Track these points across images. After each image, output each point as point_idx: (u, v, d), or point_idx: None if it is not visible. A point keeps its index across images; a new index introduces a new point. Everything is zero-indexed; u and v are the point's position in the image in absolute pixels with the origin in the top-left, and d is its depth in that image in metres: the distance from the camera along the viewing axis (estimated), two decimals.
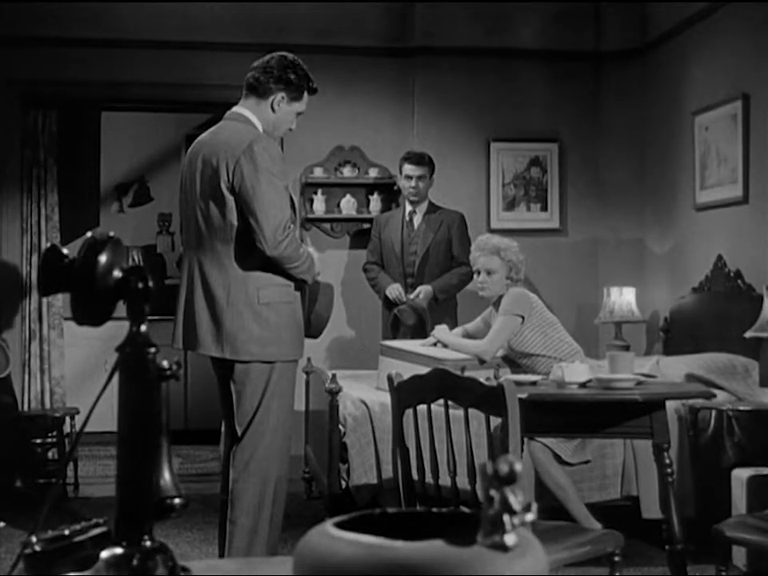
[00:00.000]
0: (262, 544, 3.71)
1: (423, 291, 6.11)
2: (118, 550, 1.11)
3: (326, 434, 4.95)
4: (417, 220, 6.31)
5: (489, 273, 4.85)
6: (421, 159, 6.25)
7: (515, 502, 0.95)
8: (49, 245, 1.11)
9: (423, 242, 6.25)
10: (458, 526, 1.07)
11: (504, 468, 0.94)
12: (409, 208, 6.34)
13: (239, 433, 3.71)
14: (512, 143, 7.17)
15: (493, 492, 0.95)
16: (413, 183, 6.21)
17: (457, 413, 2.96)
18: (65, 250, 1.12)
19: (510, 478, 0.95)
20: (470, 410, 2.86)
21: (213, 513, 4.18)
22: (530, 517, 0.96)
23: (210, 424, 7.16)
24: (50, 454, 6.78)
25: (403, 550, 0.91)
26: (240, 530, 3.67)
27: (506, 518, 0.94)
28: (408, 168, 6.23)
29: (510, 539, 0.94)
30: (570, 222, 7.28)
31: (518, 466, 0.95)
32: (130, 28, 6.84)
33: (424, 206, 6.35)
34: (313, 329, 3.92)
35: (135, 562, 1.10)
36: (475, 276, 4.91)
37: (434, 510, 1.12)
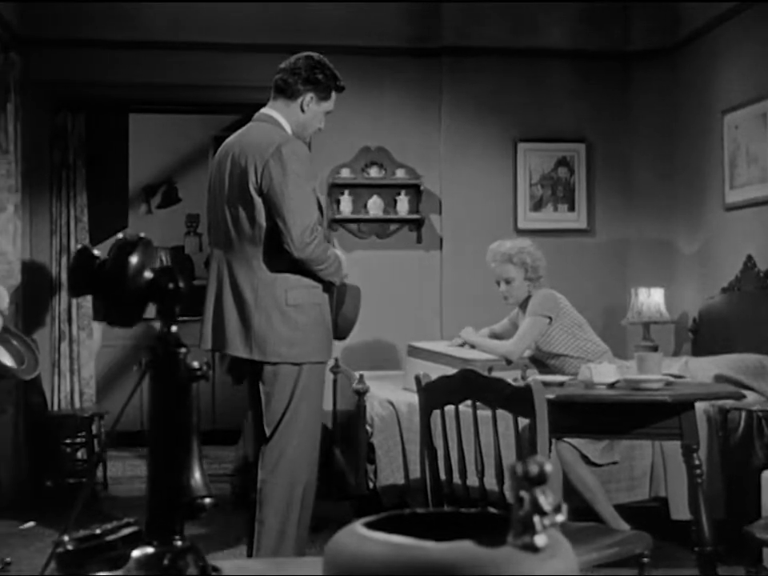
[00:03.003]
0: (290, 544, 3.72)
1: None
2: (149, 550, 1.12)
3: (354, 435, 4.95)
4: None
5: (507, 281, 4.86)
6: None
7: (545, 502, 0.94)
8: (80, 246, 1.11)
9: None
10: (486, 527, 1.07)
11: (534, 469, 0.94)
12: None
13: (267, 433, 3.72)
14: (539, 143, 7.14)
15: (523, 493, 0.95)
16: None
17: (484, 413, 2.95)
18: (96, 252, 1.13)
19: (540, 479, 0.95)
20: (498, 411, 2.86)
21: (241, 513, 4.19)
22: (560, 518, 0.96)
23: (237, 425, 7.17)
24: (78, 454, 6.83)
25: (433, 551, 0.91)
26: (268, 530, 3.68)
27: (536, 518, 0.94)
28: None
29: (540, 540, 0.94)
30: (597, 222, 7.25)
31: (548, 467, 0.95)
32: (157, 30, 6.87)
33: None
34: (340, 330, 3.93)
35: (166, 561, 1.11)
36: (497, 286, 4.93)
37: (463, 510, 1.11)
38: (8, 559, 4.72)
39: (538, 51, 7.14)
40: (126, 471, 7.20)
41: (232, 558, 4.69)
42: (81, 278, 1.12)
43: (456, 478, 2.99)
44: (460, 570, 0.90)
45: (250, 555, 3.84)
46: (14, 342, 4.41)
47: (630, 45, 7.23)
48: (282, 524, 3.70)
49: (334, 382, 6.05)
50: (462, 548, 0.92)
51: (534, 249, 4.93)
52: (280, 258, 3.62)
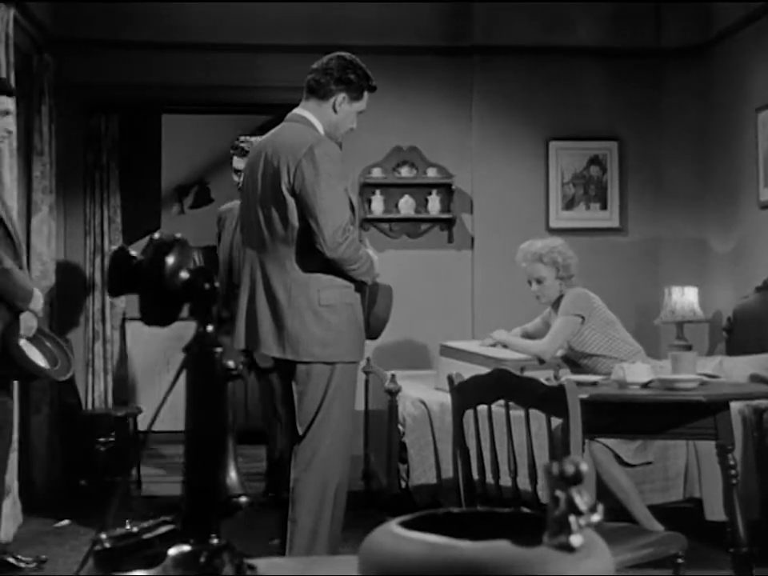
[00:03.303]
0: (323, 543, 3.73)
1: None
2: (186, 548, 1.12)
3: (386, 434, 4.96)
4: None
5: (538, 281, 4.85)
6: (249, 150, 5.18)
7: (581, 502, 0.94)
8: (117, 246, 1.12)
9: None
10: (521, 527, 1.07)
11: (570, 468, 0.94)
12: None
13: (300, 432, 3.74)
14: (571, 142, 7.12)
15: (558, 493, 0.95)
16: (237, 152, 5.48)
17: (517, 413, 2.95)
18: (133, 252, 1.14)
19: (576, 479, 0.94)
20: (531, 411, 2.85)
21: (274, 512, 4.20)
22: (595, 518, 0.96)
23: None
24: (111, 454, 6.88)
25: (469, 550, 0.92)
26: (301, 529, 3.70)
27: (571, 518, 0.94)
28: (235, 160, 5.48)
29: (576, 540, 0.93)
30: (629, 221, 7.21)
31: (584, 467, 0.95)
32: (190, 31, 6.91)
33: None
34: (372, 330, 3.94)
35: (203, 559, 1.12)
36: (529, 285, 4.92)
37: (498, 510, 1.11)
38: (43, 557, 4.77)
39: (570, 49, 7.12)
40: (160, 470, 7.25)
41: (264, 556, 4.70)
42: (118, 278, 1.13)
43: (489, 478, 2.99)
44: (495, 570, 0.90)
45: (282, 554, 3.86)
46: (48, 344, 4.45)
47: (662, 42, 7.18)
48: (314, 523, 3.71)
49: (366, 381, 6.07)
50: (498, 548, 0.92)
51: (564, 248, 4.91)
52: (313, 258, 3.63)
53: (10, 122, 4.35)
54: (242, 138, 5.46)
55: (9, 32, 5.09)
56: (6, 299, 4.22)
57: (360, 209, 6.88)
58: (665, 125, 7.19)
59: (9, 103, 4.32)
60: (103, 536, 1.12)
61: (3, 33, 5.04)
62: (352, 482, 4.05)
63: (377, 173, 7.05)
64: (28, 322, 4.29)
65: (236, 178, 5.36)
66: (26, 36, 5.93)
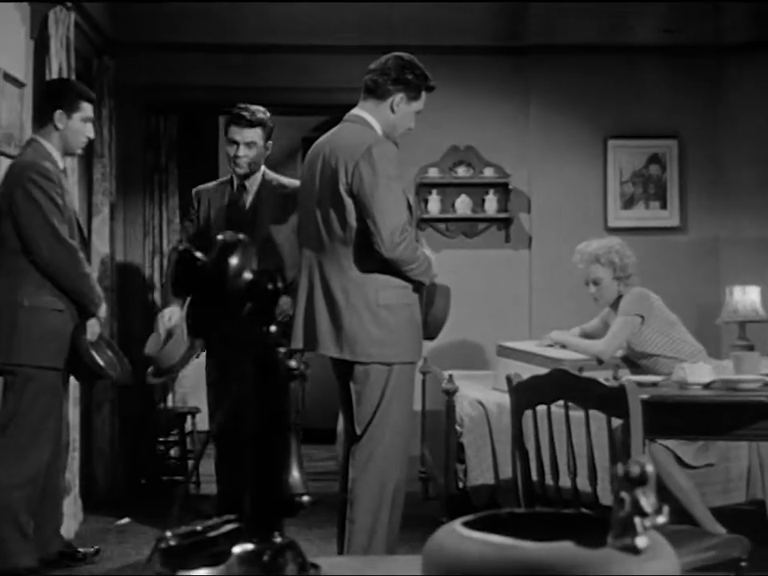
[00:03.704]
0: (381, 543, 3.73)
1: None
2: (250, 546, 1.14)
3: (443, 435, 4.95)
4: (247, 198, 4.96)
5: (595, 282, 4.82)
6: (252, 120, 4.83)
7: (646, 504, 0.94)
8: (181, 248, 1.14)
9: (261, 226, 4.83)
10: (583, 528, 1.07)
11: (635, 470, 0.93)
12: (236, 181, 4.97)
13: (358, 432, 3.75)
14: (630, 140, 7.05)
15: (623, 494, 0.94)
16: (240, 151, 4.83)
17: (575, 414, 2.93)
18: (197, 253, 1.15)
19: (642, 480, 0.94)
20: (590, 411, 2.83)
21: (331, 511, 4.22)
22: (661, 519, 0.95)
23: (326, 423, 7.23)
24: (172, 452, 6.95)
25: (534, 551, 0.91)
26: (359, 529, 3.70)
27: (636, 520, 0.93)
28: (233, 130, 4.85)
29: (641, 542, 0.93)
30: (690, 219, 7.13)
31: (650, 468, 0.94)
32: (248, 33, 6.95)
33: (257, 179, 4.95)
34: (430, 330, 3.93)
35: (266, 557, 1.13)
36: (587, 287, 4.89)
37: (561, 511, 1.11)
38: (97, 547, 4.84)
39: (628, 47, 7.05)
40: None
41: (322, 556, 4.73)
42: (183, 279, 1.14)
43: (548, 479, 2.97)
44: (560, 571, 0.90)
45: (340, 554, 3.87)
46: (108, 351, 4.52)
47: (723, 38, 7.09)
48: (372, 523, 3.72)
49: (423, 382, 6.06)
50: (562, 549, 0.91)
51: (621, 247, 4.87)
52: (370, 258, 3.64)
53: (91, 129, 4.47)
54: (243, 106, 4.86)
55: (70, 36, 5.17)
56: (80, 302, 4.30)
57: (417, 209, 6.87)
58: (725, 122, 7.09)
59: (90, 110, 4.43)
60: (168, 534, 1.13)
61: (64, 37, 5.12)
62: (409, 482, 4.04)
63: (433, 173, 7.05)
64: (93, 327, 4.38)
65: (231, 151, 4.80)
66: (86, 40, 6.02)
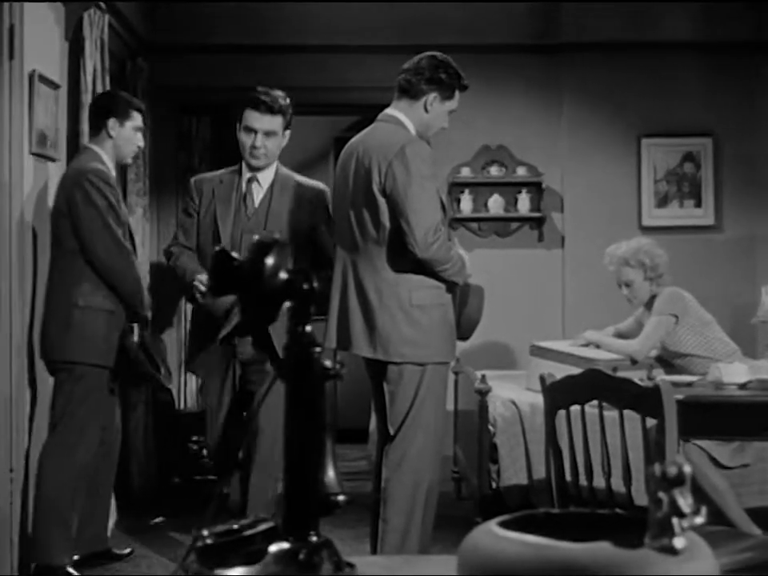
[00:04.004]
0: (414, 543, 3.73)
1: None
2: (286, 545, 1.14)
3: (476, 435, 4.94)
4: (258, 192, 4.43)
5: (627, 285, 4.81)
6: (273, 106, 4.30)
7: (684, 504, 0.93)
8: (218, 248, 1.15)
9: (269, 225, 4.35)
10: (619, 529, 1.06)
11: (673, 470, 0.93)
12: (248, 173, 4.43)
13: (392, 432, 3.75)
14: (664, 138, 7.00)
15: (661, 494, 0.93)
16: (257, 141, 4.31)
17: (609, 414, 2.91)
18: (234, 253, 1.16)
19: (679, 481, 0.93)
20: (624, 412, 2.81)
21: (363, 511, 4.22)
22: (699, 520, 0.94)
23: (358, 423, 7.23)
24: (204, 452, 6.98)
25: (571, 551, 0.91)
26: (392, 529, 3.71)
27: (674, 520, 0.93)
28: (251, 116, 4.31)
29: (679, 542, 0.92)
30: (725, 218, 7.07)
31: (687, 469, 0.94)
32: (279, 34, 6.98)
33: (270, 171, 4.44)
34: (463, 331, 3.92)
35: (302, 556, 1.13)
36: (619, 289, 4.89)
37: (597, 511, 1.11)
38: (130, 549, 4.88)
39: (662, 44, 7.00)
40: None
41: (354, 555, 4.73)
42: (221, 279, 1.15)
43: (582, 480, 2.96)
44: (597, 571, 0.90)
45: (373, 554, 3.87)
46: (153, 353, 4.60)
47: (760, 35, 7.02)
48: (406, 523, 3.72)
49: (455, 382, 6.06)
50: (600, 549, 0.91)
51: (651, 247, 4.84)
52: (404, 258, 3.64)
53: (141, 138, 4.59)
54: (263, 89, 4.34)
55: (104, 38, 5.20)
56: (129, 304, 4.38)
57: (449, 208, 6.87)
58: (761, 119, 7.02)
59: (140, 120, 4.57)
60: (204, 532, 1.14)
61: (98, 39, 5.15)
62: (442, 482, 4.04)
63: (465, 172, 7.04)
64: (140, 329, 4.49)
65: (247, 140, 4.29)
66: (119, 41, 6.06)
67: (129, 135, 4.50)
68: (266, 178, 4.40)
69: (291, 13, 6.96)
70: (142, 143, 4.61)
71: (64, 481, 4.24)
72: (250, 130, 4.28)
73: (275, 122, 4.28)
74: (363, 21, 6.98)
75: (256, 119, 4.26)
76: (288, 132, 4.37)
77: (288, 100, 4.36)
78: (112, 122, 4.45)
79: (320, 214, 4.39)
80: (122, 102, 4.55)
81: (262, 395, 4.15)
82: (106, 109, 4.50)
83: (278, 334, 3.33)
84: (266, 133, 4.27)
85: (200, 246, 4.44)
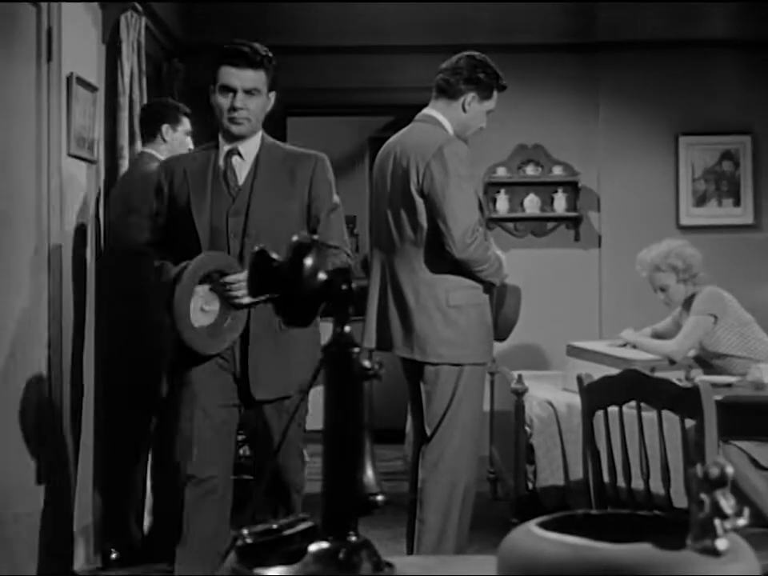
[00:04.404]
0: (451, 544, 3.73)
1: None
2: (325, 545, 1.14)
3: (512, 435, 4.93)
4: (242, 167, 3.51)
5: (662, 289, 4.78)
6: (254, 59, 3.44)
7: (726, 506, 0.92)
8: (257, 248, 1.15)
9: (258, 205, 3.44)
10: (659, 530, 1.06)
11: (715, 471, 0.92)
12: (226, 146, 3.50)
13: (428, 433, 3.75)
14: (702, 137, 6.95)
15: (703, 496, 0.93)
16: (237, 102, 3.42)
17: (647, 415, 2.89)
18: (273, 254, 1.16)
19: (721, 482, 0.93)
20: (663, 412, 2.80)
21: (399, 511, 4.22)
22: (741, 521, 0.94)
23: (393, 423, 7.23)
24: (241, 451, 7.00)
25: (612, 552, 0.91)
26: (429, 529, 3.70)
27: (716, 522, 0.92)
28: (228, 72, 3.43)
29: (721, 544, 0.92)
30: (764, 217, 7.00)
31: (729, 470, 0.93)
32: (313, 34, 7.00)
33: (255, 142, 3.53)
34: (500, 331, 3.91)
35: (341, 556, 1.14)
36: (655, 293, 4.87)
37: (637, 512, 1.10)
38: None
39: (700, 42, 6.95)
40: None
41: (390, 555, 4.73)
42: (259, 279, 1.16)
43: (620, 481, 2.94)
44: (639, 572, 0.89)
45: (409, 554, 3.87)
46: None
47: None
48: (442, 523, 3.71)
49: (491, 382, 6.04)
50: (642, 550, 0.91)
51: (681, 248, 4.80)
52: (441, 259, 3.64)
53: (191, 141, 4.80)
54: (240, 41, 3.50)
55: (141, 40, 5.24)
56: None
57: (485, 208, 6.85)
58: None
59: (189, 124, 4.84)
60: (245, 531, 1.14)
61: (135, 41, 5.19)
62: (478, 482, 4.03)
63: (501, 172, 7.02)
64: None
65: (224, 102, 3.42)
66: (156, 43, 6.10)
67: (181, 139, 4.76)
68: (249, 149, 3.49)
69: (326, 14, 6.98)
70: (192, 145, 4.72)
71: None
72: (228, 90, 3.41)
73: (258, 78, 3.43)
74: (398, 21, 6.99)
75: (234, 75, 3.40)
76: (273, 94, 3.51)
77: (271, 54, 3.53)
78: (165, 128, 4.70)
79: (320, 189, 3.52)
80: (172, 108, 4.82)
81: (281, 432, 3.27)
82: (159, 115, 4.75)
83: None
84: (247, 91, 3.41)
85: (176, 237, 3.50)
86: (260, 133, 3.53)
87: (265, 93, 3.46)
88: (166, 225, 3.56)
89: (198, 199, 3.45)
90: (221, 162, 3.48)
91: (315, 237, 1.16)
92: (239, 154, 3.49)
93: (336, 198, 3.58)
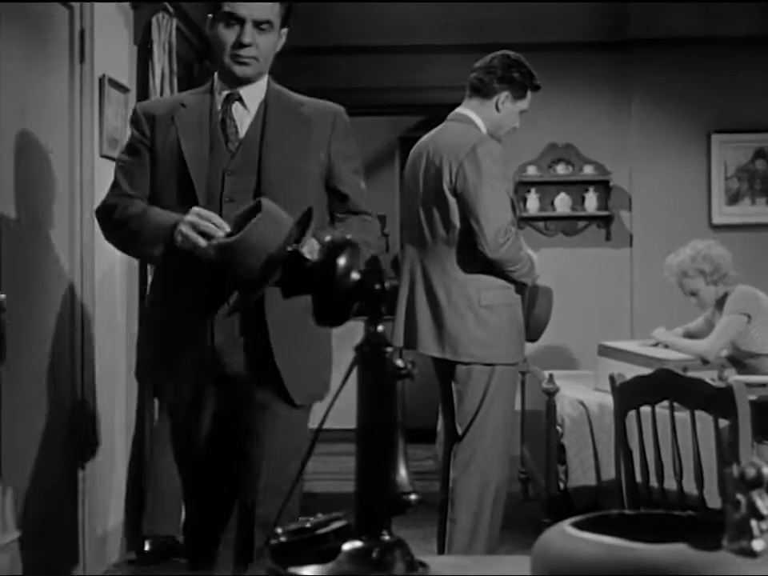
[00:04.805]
0: (482, 544, 3.73)
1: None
2: (359, 544, 1.15)
3: (544, 435, 4.91)
4: (244, 117, 2.85)
5: (692, 293, 4.76)
6: None
7: (763, 506, 0.92)
8: (291, 249, 1.16)
9: (269, 162, 2.78)
10: (693, 531, 1.05)
11: (751, 471, 0.91)
12: (225, 90, 2.86)
13: (460, 432, 3.74)
14: (735, 134, 6.90)
15: (739, 496, 0.92)
16: (246, 36, 2.76)
17: (680, 415, 2.88)
18: (307, 255, 1.17)
19: (758, 482, 0.92)
20: (696, 412, 2.78)
21: (430, 511, 4.22)
22: None
23: (424, 422, 7.23)
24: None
25: (647, 552, 0.90)
26: (460, 529, 3.70)
27: (753, 523, 0.92)
28: (238, 2, 2.76)
29: (758, 545, 0.91)
30: None
31: (766, 470, 0.92)
32: (344, 34, 7.01)
33: (260, 87, 2.88)
34: (531, 332, 3.91)
35: (375, 555, 1.14)
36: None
37: (672, 513, 1.10)
38: None
39: (732, 39, 6.89)
40: (318, 467, 7.37)
41: (421, 555, 4.72)
42: (293, 279, 1.16)
43: (653, 481, 2.93)
44: (674, 573, 0.89)
45: (440, 554, 3.87)
46: None
47: None
48: (473, 523, 3.71)
49: (522, 382, 6.02)
50: (677, 551, 0.90)
51: (709, 250, 4.77)
52: (473, 258, 3.63)
53: None
54: None
55: (172, 41, 5.27)
56: None
57: (517, 208, 6.84)
58: None
59: None
60: (279, 530, 1.15)
61: (166, 42, 5.22)
62: (509, 482, 4.02)
63: (532, 171, 7.01)
64: None
65: (229, 36, 2.78)
66: (187, 44, 6.13)
67: None
68: (253, 95, 2.86)
69: (356, 13, 6.99)
70: None
71: None
72: (234, 21, 2.76)
73: (271, 9, 2.78)
74: (428, 20, 6.98)
75: (242, 5, 2.75)
76: (285, 32, 2.87)
77: None
78: None
79: (343, 146, 2.92)
80: None
81: (263, 434, 2.77)
82: None
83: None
84: (257, 24, 2.76)
85: (156, 197, 2.82)
86: (266, 77, 2.90)
87: (277, 28, 2.82)
88: (131, 182, 2.84)
89: (194, 150, 2.77)
90: (219, 108, 2.83)
91: (349, 236, 1.16)
92: (241, 101, 2.84)
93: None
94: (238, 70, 2.79)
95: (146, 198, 2.82)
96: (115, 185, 2.88)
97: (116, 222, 2.82)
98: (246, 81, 2.83)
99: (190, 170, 2.73)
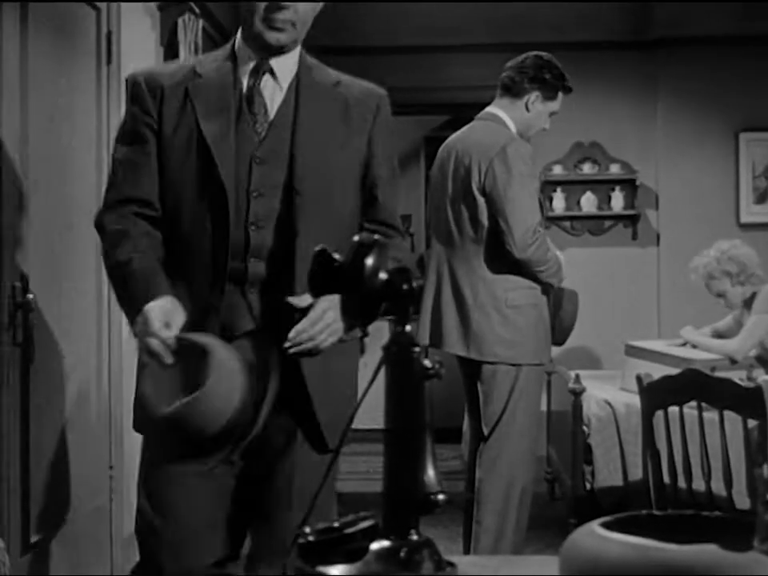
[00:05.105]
0: (508, 544, 3.72)
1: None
2: (387, 543, 1.15)
3: (570, 435, 4.90)
4: (275, 93, 2.34)
5: (719, 295, 4.74)
6: None
7: None
8: (318, 248, 1.16)
9: (303, 149, 2.28)
10: (722, 531, 1.04)
11: None
12: (252, 61, 2.33)
13: (485, 433, 3.74)
14: (763, 133, 6.85)
15: None
16: (279, 12, 2.27)
17: (708, 415, 2.86)
18: (335, 254, 1.17)
19: None
20: (724, 413, 2.76)
21: (456, 511, 4.22)
22: None
23: (450, 422, 7.22)
24: None
25: (677, 553, 0.90)
26: (486, 529, 3.70)
27: None
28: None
29: None
30: None
31: None
32: (368, 34, 7.01)
33: (293, 59, 2.41)
34: (557, 335, 3.90)
35: (403, 554, 1.14)
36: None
37: (702, 513, 1.09)
38: None
39: (759, 37, 6.85)
40: (343, 467, 7.38)
41: (447, 555, 4.72)
42: (320, 279, 1.16)
43: (681, 482, 2.91)
44: (704, 573, 0.88)
45: (466, 554, 3.87)
46: None
47: None
48: (499, 523, 3.70)
49: (548, 382, 6.01)
50: (707, 551, 0.90)
51: (734, 251, 4.74)
52: (501, 258, 3.62)
53: None
54: None
55: (198, 42, 5.29)
56: None
57: (543, 207, 6.83)
58: None
59: None
60: (307, 530, 1.15)
61: (192, 43, 5.24)
62: (535, 483, 4.01)
63: (558, 170, 6.99)
64: None
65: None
66: (213, 45, 6.15)
67: None
68: (285, 67, 2.36)
69: (382, 13, 6.99)
70: None
71: None
72: None
73: None
74: (454, 20, 6.98)
75: None
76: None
77: None
78: None
79: (385, 141, 2.49)
80: None
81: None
82: None
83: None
84: None
85: (168, 196, 2.27)
86: (299, 48, 2.43)
87: None
88: (135, 179, 2.27)
89: (217, 129, 2.22)
90: (245, 81, 2.30)
91: (376, 237, 1.16)
92: (272, 73, 2.33)
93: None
94: (272, 36, 2.26)
95: (155, 200, 2.26)
96: (112, 185, 2.33)
97: (105, 253, 2.32)
98: (279, 50, 2.31)
99: (217, 160, 2.18)
